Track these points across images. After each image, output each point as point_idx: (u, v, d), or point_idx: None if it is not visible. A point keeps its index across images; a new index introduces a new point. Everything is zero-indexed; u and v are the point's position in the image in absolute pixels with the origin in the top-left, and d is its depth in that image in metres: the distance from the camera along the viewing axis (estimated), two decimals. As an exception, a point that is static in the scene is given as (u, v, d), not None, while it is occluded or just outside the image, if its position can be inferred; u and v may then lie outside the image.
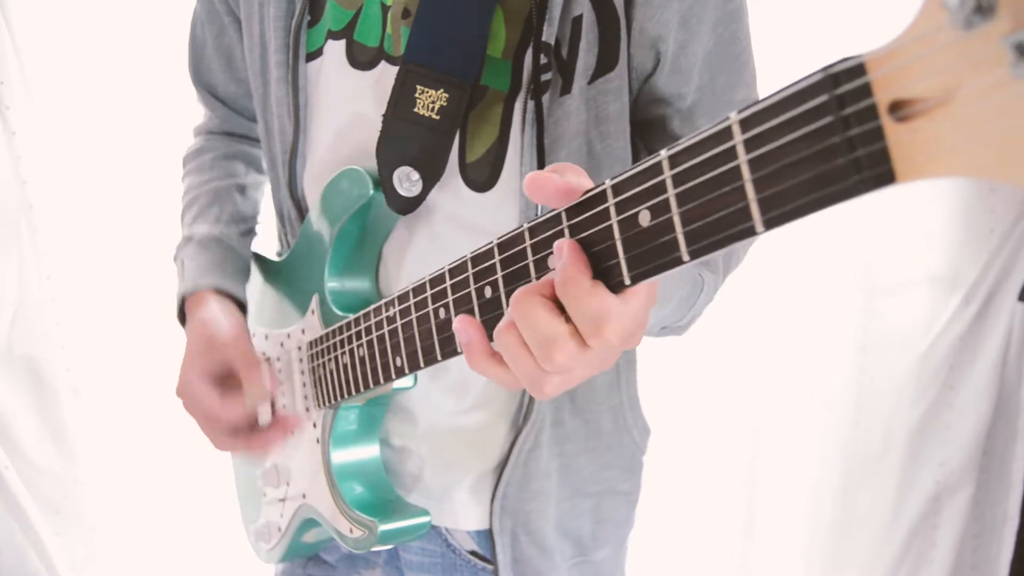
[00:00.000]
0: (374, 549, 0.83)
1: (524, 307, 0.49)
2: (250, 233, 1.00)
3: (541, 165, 0.75)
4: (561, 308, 0.48)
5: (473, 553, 0.89)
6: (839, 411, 1.85)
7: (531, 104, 0.74)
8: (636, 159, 0.84)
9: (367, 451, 0.87)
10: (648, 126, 0.84)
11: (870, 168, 0.32)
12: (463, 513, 0.88)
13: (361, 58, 0.80)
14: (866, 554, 1.85)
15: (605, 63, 0.75)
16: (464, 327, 0.55)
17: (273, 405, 0.92)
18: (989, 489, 1.70)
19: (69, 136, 1.57)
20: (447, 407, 0.86)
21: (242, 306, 0.94)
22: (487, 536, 0.88)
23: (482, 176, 0.78)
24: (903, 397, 1.75)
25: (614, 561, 0.96)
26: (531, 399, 0.83)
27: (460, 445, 0.87)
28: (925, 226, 1.72)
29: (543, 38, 0.73)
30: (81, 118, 1.58)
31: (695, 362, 1.84)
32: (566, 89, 0.75)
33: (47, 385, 1.62)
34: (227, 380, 0.88)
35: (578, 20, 0.74)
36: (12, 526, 1.57)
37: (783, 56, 1.52)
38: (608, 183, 0.45)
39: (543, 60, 0.73)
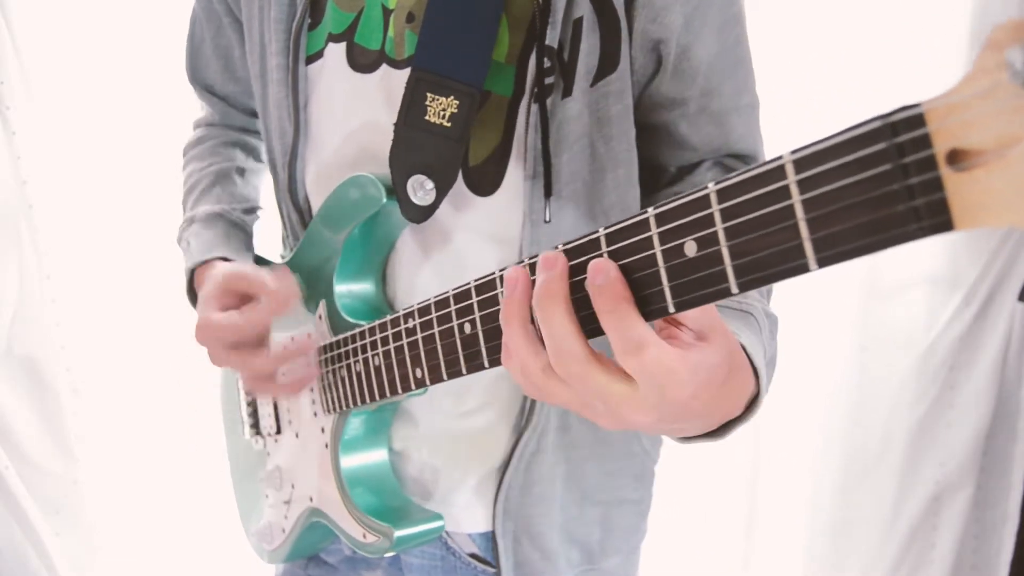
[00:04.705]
0: (387, 555, 0.83)
1: (584, 379, 0.47)
2: (252, 212, 0.99)
3: (546, 168, 0.75)
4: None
5: (473, 556, 0.89)
6: (839, 411, 1.86)
7: (535, 108, 0.73)
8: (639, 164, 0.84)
9: (376, 456, 0.86)
10: (654, 132, 0.83)
11: (929, 217, 0.33)
12: (464, 516, 0.88)
13: (362, 60, 0.80)
14: (866, 554, 1.86)
15: (606, 65, 0.75)
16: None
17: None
18: (989, 489, 1.72)
19: (69, 136, 1.57)
20: (448, 410, 0.85)
21: None
22: (490, 538, 0.88)
23: (485, 180, 0.77)
24: (903, 397, 1.76)
25: (624, 570, 0.96)
26: (532, 402, 0.82)
27: (461, 448, 0.86)
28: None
29: (546, 41, 0.72)
30: (81, 118, 1.58)
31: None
32: (567, 92, 0.74)
33: (47, 385, 1.62)
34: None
35: (579, 22, 0.73)
36: (12, 526, 1.57)
37: (779, 58, 1.53)
38: (651, 212, 0.45)
39: (546, 64, 0.73)
